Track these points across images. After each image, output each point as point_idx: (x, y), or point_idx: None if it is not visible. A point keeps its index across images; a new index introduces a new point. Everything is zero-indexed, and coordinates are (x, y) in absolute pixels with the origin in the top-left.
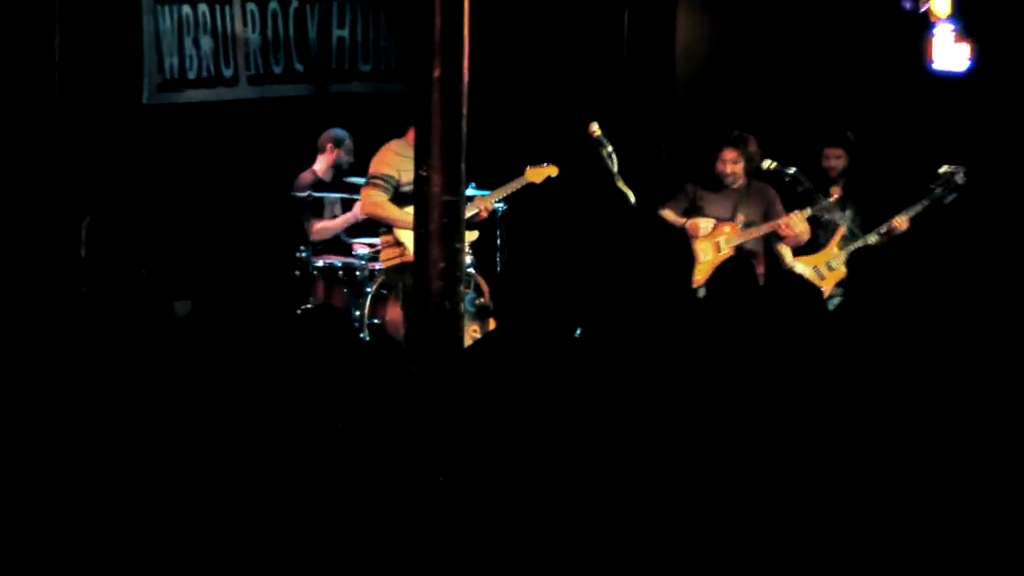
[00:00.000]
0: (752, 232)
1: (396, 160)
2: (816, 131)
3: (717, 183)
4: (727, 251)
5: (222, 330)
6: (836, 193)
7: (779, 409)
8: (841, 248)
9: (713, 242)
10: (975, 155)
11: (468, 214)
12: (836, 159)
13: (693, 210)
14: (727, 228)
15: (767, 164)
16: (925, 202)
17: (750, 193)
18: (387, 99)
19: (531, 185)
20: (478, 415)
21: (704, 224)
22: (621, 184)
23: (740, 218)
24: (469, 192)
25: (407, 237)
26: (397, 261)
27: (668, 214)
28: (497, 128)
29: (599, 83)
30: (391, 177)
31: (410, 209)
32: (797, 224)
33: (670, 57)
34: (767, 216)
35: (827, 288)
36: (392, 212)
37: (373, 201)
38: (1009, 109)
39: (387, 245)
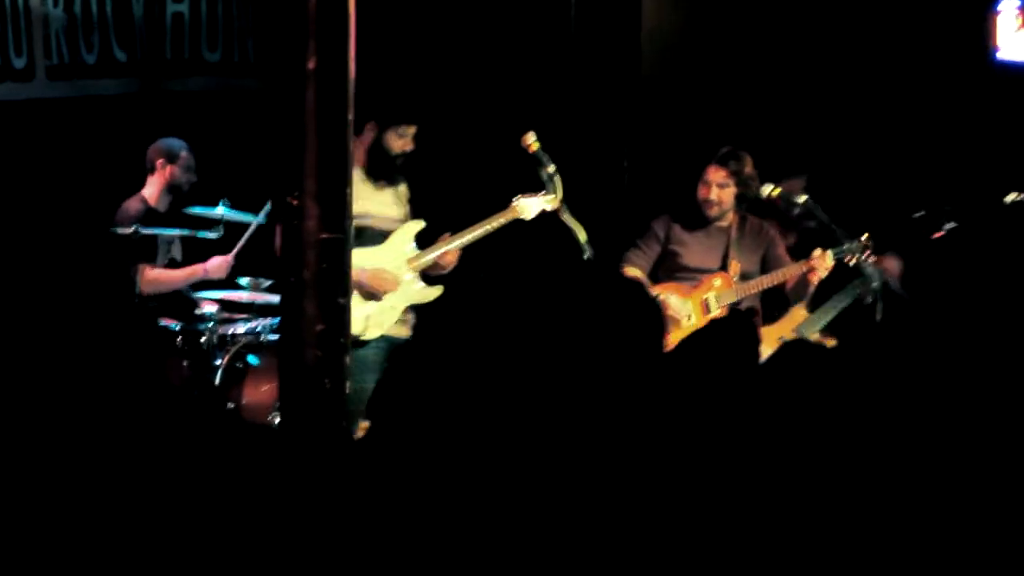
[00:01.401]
0: (753, 286)
1: None
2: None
3: (698, 218)
4: (718, 312)
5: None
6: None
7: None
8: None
9: (699, 301)
10: None
11: (424, 260)
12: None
13: (666, 259)
14: (716, 280)
15: (768, 190)
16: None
17: (744, 232)
18: (241, 100)
19: (516, 222)
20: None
21: (678, 305)
22: (567, 218)
23: (734, 266)
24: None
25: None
26: None
27: (632, 273)
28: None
29: (538, 75)
30: None
31: (358, 252)
32: (823, 266)
33: (633, 41)
34: (765, 264)
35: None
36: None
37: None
38: None
39: None
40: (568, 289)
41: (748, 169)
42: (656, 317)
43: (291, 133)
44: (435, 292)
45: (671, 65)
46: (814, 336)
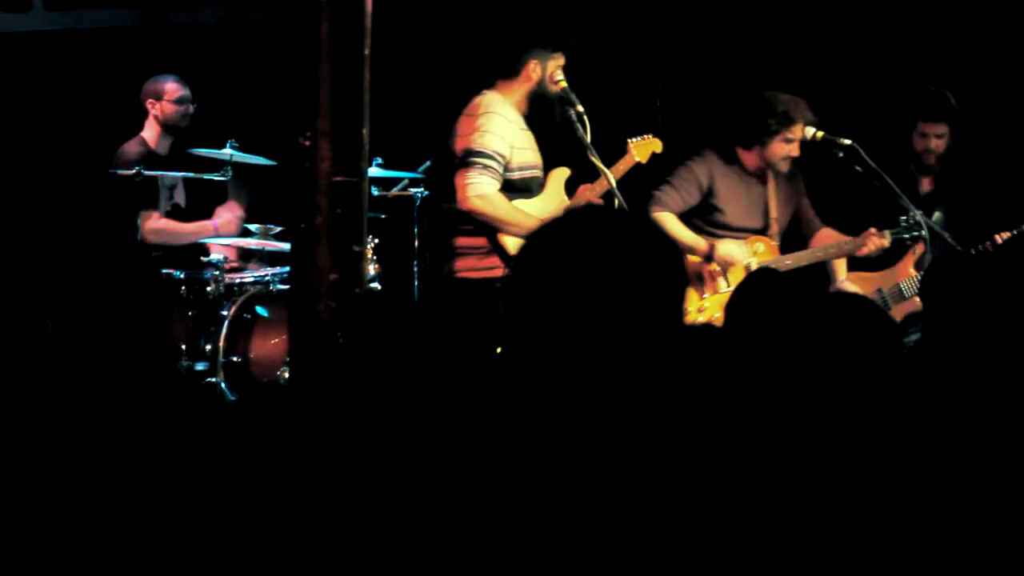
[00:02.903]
0: (797, 259)
1: (506, 128)
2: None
3: (743, 169)
4: None
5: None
6: (927, 186)
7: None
8: (918, 269)
9: (741, 265)
10: None
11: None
12: (938, 138)
13: (703, 210)
14: (758, 244)
15: (812, 133)
16: None
17: (778, 182)
18: (250, 33)
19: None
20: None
21: (739, 254)
22: (596, 159)
23: (775, 228)
24: (377, 173)
25: (515, 245)
26: (488, 274)
27: (668, 220)
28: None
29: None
30: (500, 156)
31: (524, 203)
32: (875, 245)
33: None
34: (798, 218)
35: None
36: (509, 212)
37: (480, 193)
38: None
39: (472, 250)
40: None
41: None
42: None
43: (303, 69)
44: None
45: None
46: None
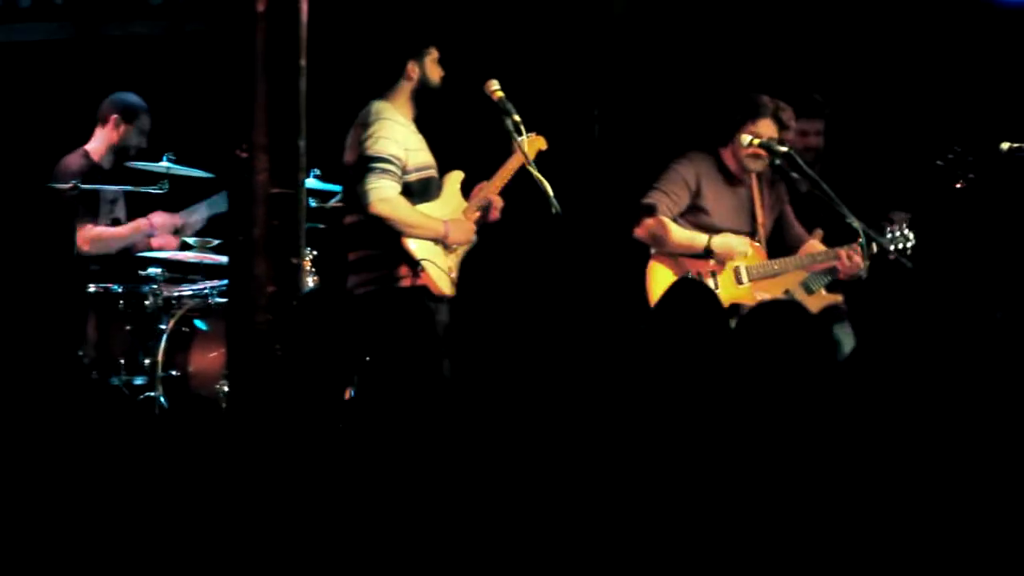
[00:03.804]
0: (783, 265)
1: (400, 133)
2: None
3: (726, 172)
4: (748, 286)
5: None
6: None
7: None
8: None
9: (730, 268)
10: None
11: (476, 210)
12: (816, 135)
13: (691, 212)
14: (747, 247)
15: (747, 140)
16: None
17: (762, 188)
18: (185, 45)
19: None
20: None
21: (738, 244)
22: (534, 170)
23: (762, 232)
24: (315, 185)
25: (426, 251)
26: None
27: (667, 224)
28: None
29: (503, 18)
30: (397, 159)
31: (425, 206)
32: (860, 258)
33: None
34: (780, 227)
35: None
36: (412, 215)
37: (384, 197)
38: None
39: (374, 261)
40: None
41: (793, 126)
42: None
43: (239, 81)
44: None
45: (644, 3)
46: (820, 292)
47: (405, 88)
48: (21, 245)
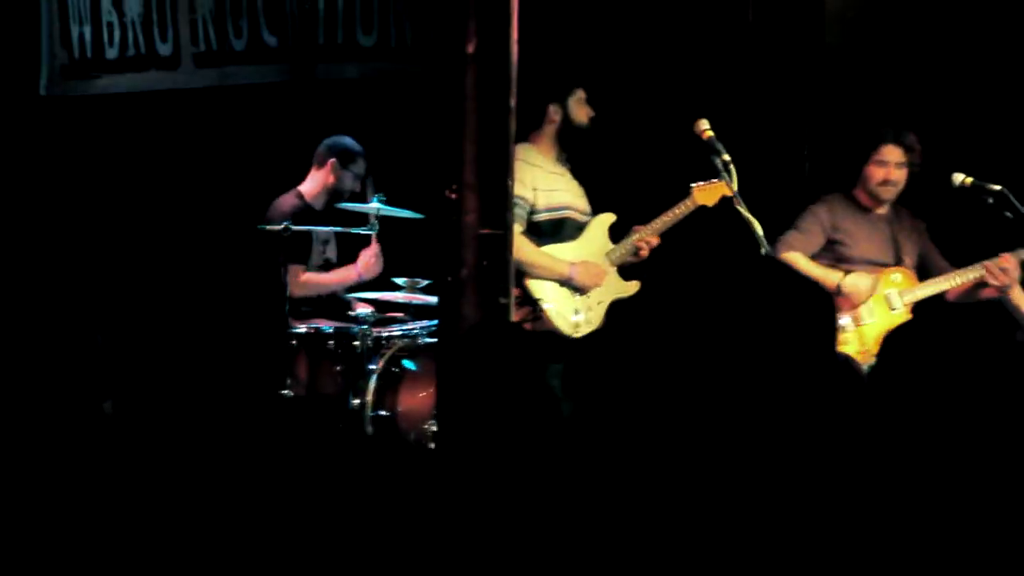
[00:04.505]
0: (935, 285)
1: (529, 173)
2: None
3: (859, 205)
4: (903, 310)
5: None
6: None
7: None
8: None
9: (882, 295)
10: None
11: (624, 252)
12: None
13: (830, 249)
14: (895, 275)
15: (960, 179)
16: None
17: (901, 222)
18: (398, 87)
19: (701, 209)
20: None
21: (864, 285)
22: (743, 209)
23: (909, 260)
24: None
25: (546, 292)
26: (527, 326)
27: (799, 260)
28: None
29: (713, 61)
30: (524, 200)
31: (553, 249)
32: (1013, 269)
33: (818, 20)
34: (925, 261)
35: None
36: (532, 254)
37: None
38: None
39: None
40: (746, 284)
41: (918, 149)
42: (829, 312)
43: (449, 121)
44: (634, 287)
45: (857, 43)
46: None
47: (548, 131)
48: (234, 286)
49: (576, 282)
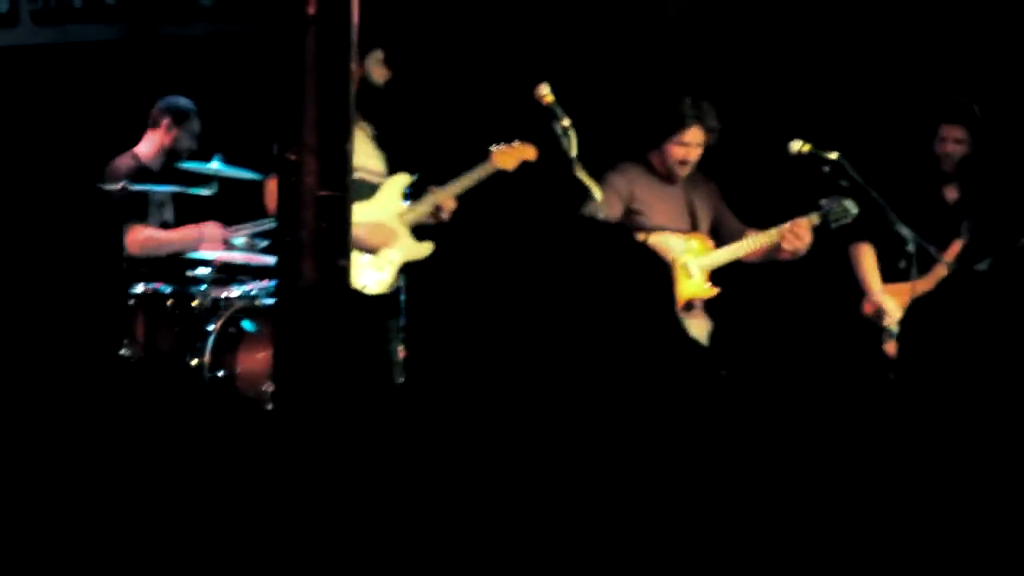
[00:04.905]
0: (731, 252)
1: None
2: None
3: (656, 174)
4: (700, 279)
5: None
6: (952, 194)
7: None
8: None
9: (681, 263)
10: None
11: (418, 214)
12: (955, 143)
13: (627, 218)
14: (693, 241)
15: (798, 146)
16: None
17: (696, 187)
18: (237, 47)
19: (499, 173)
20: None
21: (670, 241)
22: (582, 173)
23: (704, 226)
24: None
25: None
26: None
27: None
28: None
29: (552, 25)
30: None
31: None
32: (805, 234)
33: None
34: (719, 224)
35: None
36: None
37: None
38: None
39: None
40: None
41: (719, 127)
42: (666, 275)
43: (290, 83)
44: (427, 248)
45: (697, 13)
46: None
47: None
48: (70, 245)
49: (363, 243)
